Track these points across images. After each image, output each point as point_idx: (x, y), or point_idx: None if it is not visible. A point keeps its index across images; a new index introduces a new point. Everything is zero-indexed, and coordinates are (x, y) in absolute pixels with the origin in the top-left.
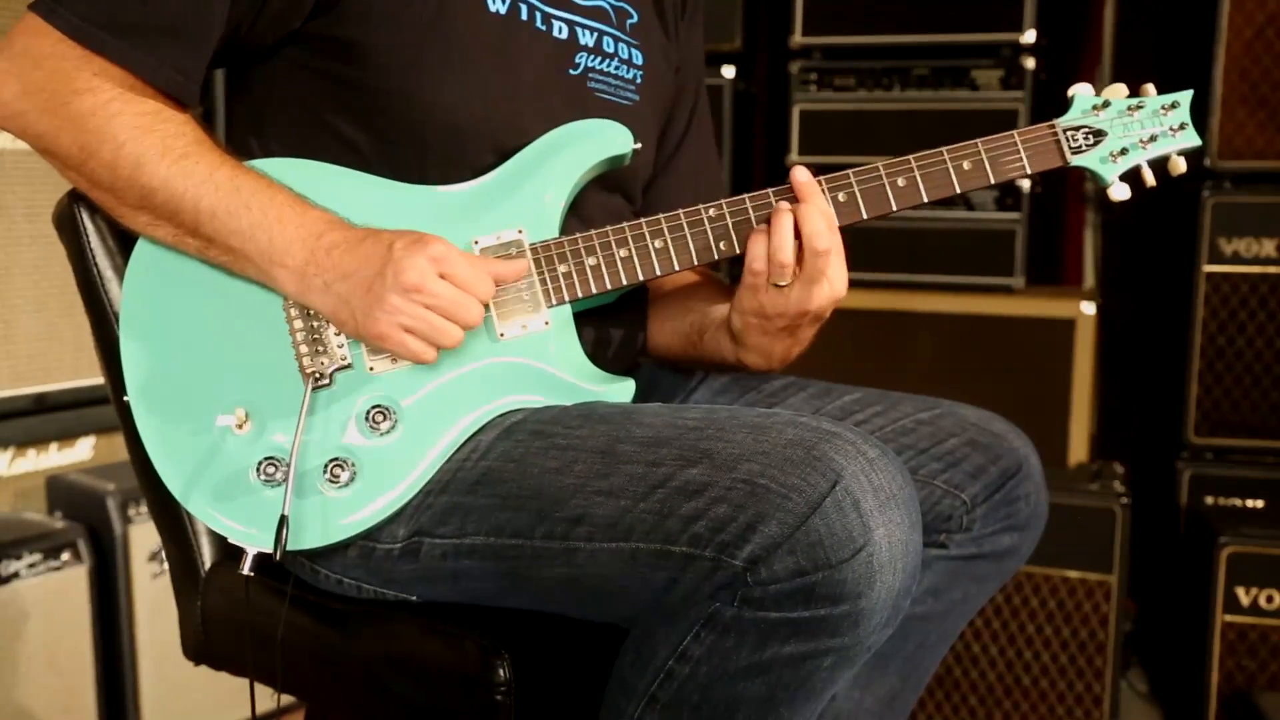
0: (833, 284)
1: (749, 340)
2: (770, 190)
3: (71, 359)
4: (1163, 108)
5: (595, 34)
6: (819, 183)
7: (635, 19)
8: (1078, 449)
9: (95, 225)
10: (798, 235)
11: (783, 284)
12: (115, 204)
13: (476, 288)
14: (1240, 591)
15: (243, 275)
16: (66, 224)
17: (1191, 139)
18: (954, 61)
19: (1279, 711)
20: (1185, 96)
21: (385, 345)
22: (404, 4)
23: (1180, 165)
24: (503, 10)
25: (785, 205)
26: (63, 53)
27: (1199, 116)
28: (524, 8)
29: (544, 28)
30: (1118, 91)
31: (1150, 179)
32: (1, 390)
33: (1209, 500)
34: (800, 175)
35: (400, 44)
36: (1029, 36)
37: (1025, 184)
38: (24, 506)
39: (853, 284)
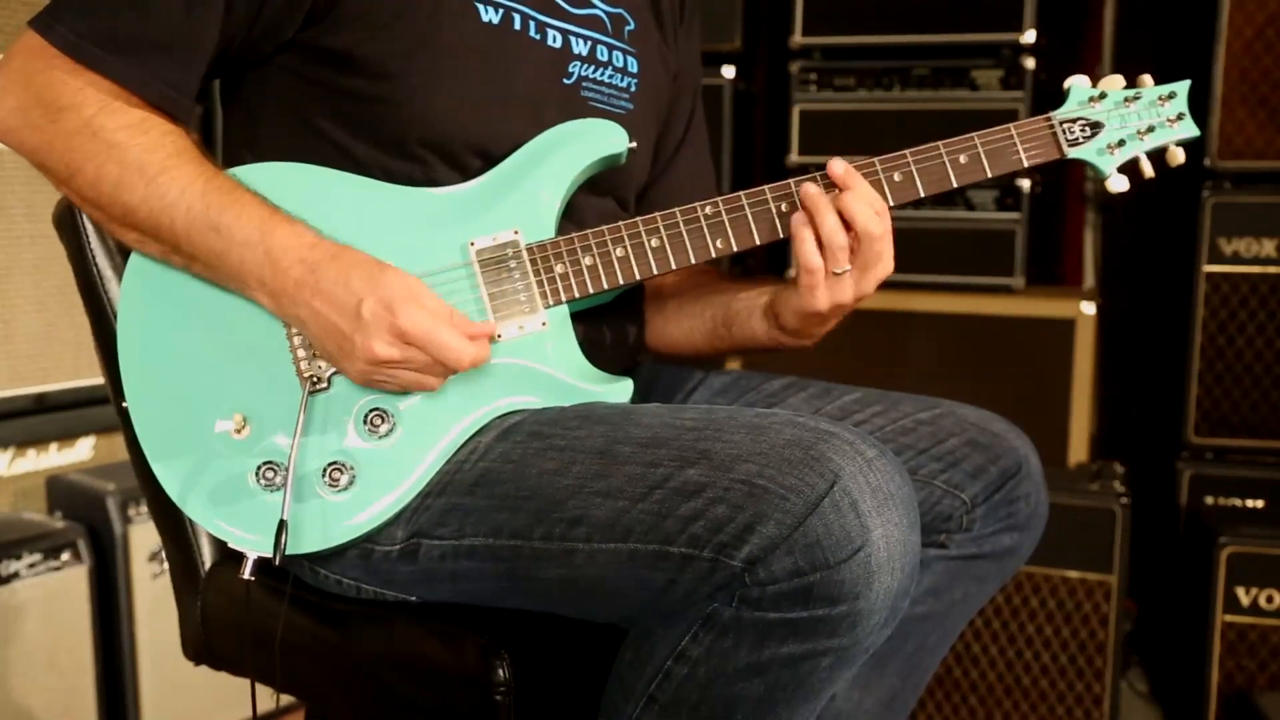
0: (886, 264)
1: (801, 330)
2: (766, 188)
3: (71, 359)
4: (1160, 98)
5: (589, 42)
6: (868, 165)
7: (633, 26)
8: (1078, 449)
9: (95, 225)
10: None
11: (840, 271)
12: (105, 220)
13: (448, 362)
14: (1240, 591)
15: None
16: (66, 224)
17: (1189, 129)
18: (954, 61)
19: (1279, 711)
20: (1182, 87)
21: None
22: (396, 14)
23: (1179, 156)
24: (495, 20)
25: (816, 191)
26: (56, 67)
27: (1199, 116)
28: (517, 17)
29: (538, 36)
30: (1114, 83)
31: (1149, 170)
32: (1, 390)
33: (1209, 500)
34: (837, 167)
35: (392, 53)
36: (1029, 36)
37: (1025, 184)
38: (24, 506)
39: None
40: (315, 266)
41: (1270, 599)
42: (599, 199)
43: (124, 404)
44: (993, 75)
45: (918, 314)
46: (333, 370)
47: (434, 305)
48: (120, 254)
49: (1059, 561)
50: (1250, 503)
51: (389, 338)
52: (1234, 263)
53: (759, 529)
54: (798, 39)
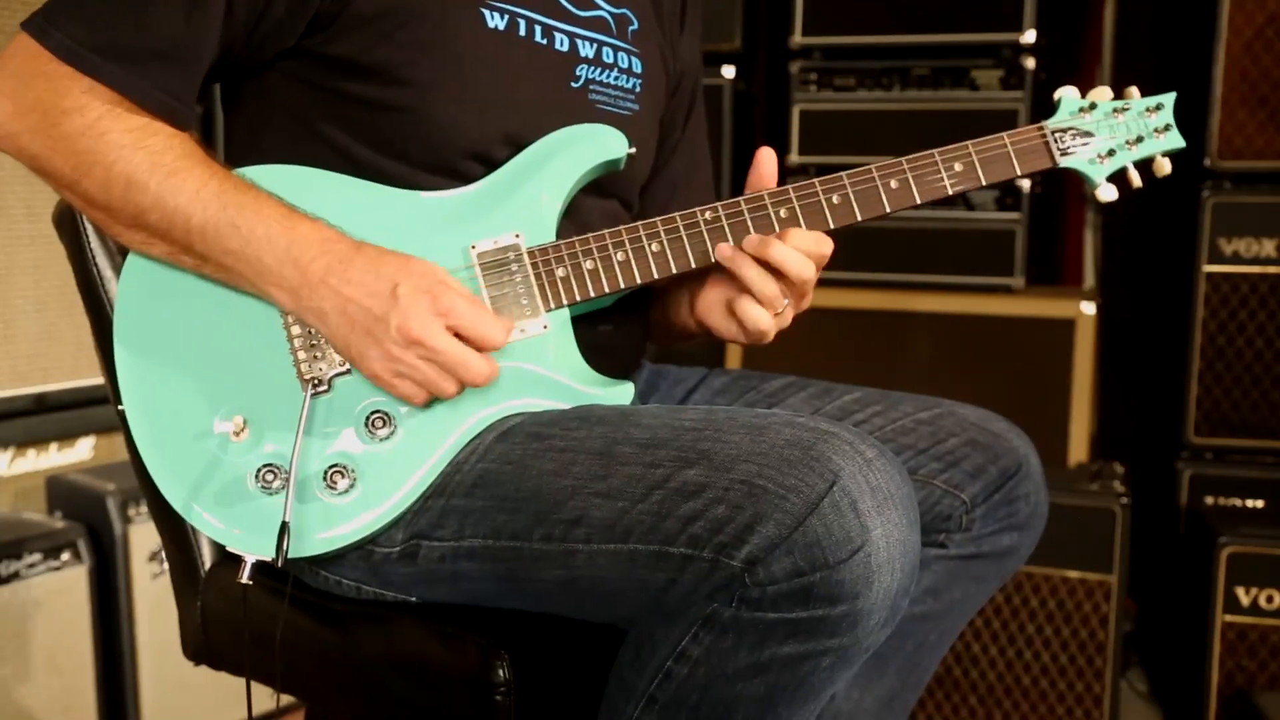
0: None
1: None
2: (765, 193)
3: (71, 359)
4: (1147, 110)
5: (595, 45)
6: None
7: (636, 26)
8: (1078, 449)
9: (95, 225)
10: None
11: (780, 310)
12: (110, 222)
13: (488, 341)
14: (1240, 591)
15: (239, 289)
16: (66, 224)
17: (1175, 141)
18: (954, 61)
19: (1279, 711)
20: (1169, 99)
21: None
22: (401, 23)
23: (1165, 167)
24: (501, 26)
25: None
26: (54, 72)
27: (1198, 116)
28: (523, 23)
29: (544, 41)
30: (1103, 94)
31: (1136, 180)
32: (1, 390)
33: (1209, 500)
34: (725, 250)
35: (398, 61)
36: (1029, 36)
37: (1025, 184)
38: (24, 506)
39: (852, 284)
40: (343, 256)
41: (1270, 599)
42: (602, 200)
43: (120, 406)
44: (993, 75)
45: (917, 314)
46: (335, 372)
47: (468, 293)
48: (120, 254)
49: (1059, 561)
50: (1250, 503)
51: (428, 317)
52: (1234, 263)
53: (759, 529)
54: (798, 39)
